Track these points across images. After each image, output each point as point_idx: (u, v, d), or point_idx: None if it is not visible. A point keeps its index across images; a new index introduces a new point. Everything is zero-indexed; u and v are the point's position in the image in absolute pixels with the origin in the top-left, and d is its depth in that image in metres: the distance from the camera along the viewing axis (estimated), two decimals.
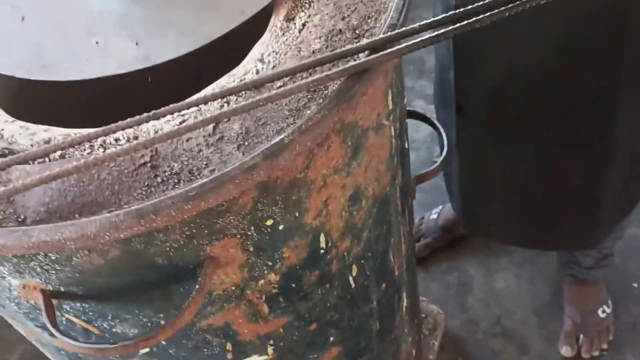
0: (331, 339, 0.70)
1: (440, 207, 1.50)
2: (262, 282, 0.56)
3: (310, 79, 0.47)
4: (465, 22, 0.49)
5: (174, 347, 0.59)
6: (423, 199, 1.60)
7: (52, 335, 0.54)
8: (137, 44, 0.60)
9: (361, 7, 0.57)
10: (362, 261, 0.66)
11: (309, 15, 0.59)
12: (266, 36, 0.59)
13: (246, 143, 0.48)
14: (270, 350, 0.64)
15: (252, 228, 0.50)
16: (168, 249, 0.48)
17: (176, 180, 0.47)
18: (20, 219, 0.46)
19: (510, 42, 0.84)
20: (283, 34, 0.58)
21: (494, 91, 0.91)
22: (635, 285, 1.39)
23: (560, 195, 1.04)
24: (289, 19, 0.60)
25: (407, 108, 0.84)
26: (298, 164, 0.49)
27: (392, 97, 0.60)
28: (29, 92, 0.65)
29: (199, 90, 0.54)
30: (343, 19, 0.56)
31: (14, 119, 0.56)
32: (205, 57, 0.60)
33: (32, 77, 0.59)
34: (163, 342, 0.58)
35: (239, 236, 0.50)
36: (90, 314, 0.53)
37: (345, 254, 0.62)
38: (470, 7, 0.50)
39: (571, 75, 0.84)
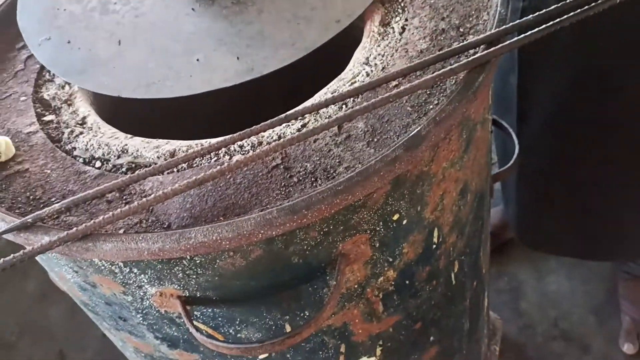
0: (431, 338, 0.70)
1: None
2: (381, 279, 0.57)
3: (436, 73, 0.49)
4: (577, 10, 0.50)
5: (291, 351, 0.60)
6: None
7: (171, 346, 0.55)
8: (238, 58, 0.62)
9: (458, 7, 0.59)
10: (463, 257, 0.67)
11: (406, 19, 0.60)
12: (366, 41, 0.61)
13: (375, 139, 0.49)
14: (378, 351, 0.65)
15: (381, 223, 0.51)
16: (305, 247, 0.49)
17: (313, 179, 0.48)
18: (165, 226, 0.47)
19: (582, 44, 0.84)
20: (383, 38, 0.60)
21: (560, 97, 0.91)
22: None
23: (623, 208, 1.04)
24: (385, 24, 0.62)
25: None
26: (426, 156, 0.51)
27: (491, 92, 0.61)
28: (134, 110, 0.67)
29: (296, 99, 0.55)
30: (443, 19, 0.58)
31: (131, 135, 0.57)
32: (299, 67, 0.61)
33: (139, 96, 0.61)
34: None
35: (369, 232, 0.51)
36: (220, 319, 0.54)
37: (452, 249, 0.63)
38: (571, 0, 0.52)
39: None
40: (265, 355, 0.59)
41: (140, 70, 0.63)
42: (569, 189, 1.05)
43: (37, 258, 0.58)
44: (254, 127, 0.50)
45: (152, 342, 0.60)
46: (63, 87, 0.65)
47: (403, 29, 0.60)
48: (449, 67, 0.49)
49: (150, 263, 0.48)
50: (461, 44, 0.51)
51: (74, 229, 0.44)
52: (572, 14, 0.51)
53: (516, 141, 0.85)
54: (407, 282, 0.60)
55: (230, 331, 0.56)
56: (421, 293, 0.63)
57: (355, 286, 0.55)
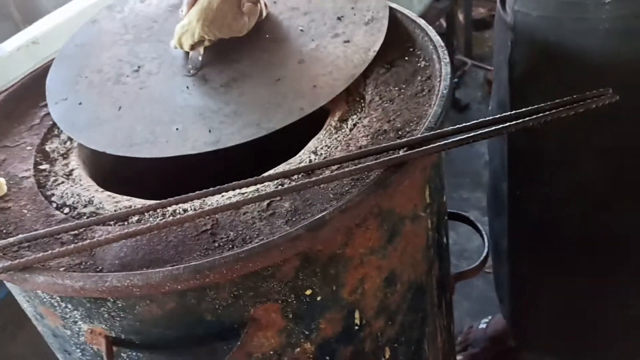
0: None
1: (489, 317, 1.49)
2: (298, 349, 0.60)
3: (352, 167, 0.55)
4: (490, 129, 0.56)
5: None
6: (471, 307, 1.60)
7: None
8: (210, 131, 0.70)
9: (406, 112, 0.66)
10: (395, 345, 0.70)
11: (360, 118, 0.67)
12: (321, 133, 0.68)
13: (294, 219, 0.55)
14: None
15: (293, 296, 0.56)
16: (217, 306, 0.54)
17: (231, 246, 0.54)
18: (98, 269, 0.54)
19: (568, 158, 0.88)
20: (336, 132, 0.67)
21: (548, 207, 0.94)
22: None
23: (614, 314, 1.03)
24: (342, 120, 0.69)
25: (451, 210, 0.91)
26: (338, 240, 0.56)
27: (429, 193, 0.66)
28: (116, 166, 0.76)
29: (257, 173, 0.62)
30: (389, 121, 0.65)
31: (103, 189, 0.66)
32: (265, 145, 0.69)
33: (120, 154, 0.70)
34: None
35: (280, 302, 0.56)
36: None
37: (379, 334, 0.66)
38: (490, 118, 0.57)
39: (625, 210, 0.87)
40: None
41: (128, 132, 0.72)
42: (559, 293, 1.05)
43: (7, 286, 0.66)
44: (197, 192, 0.57)
45: None
46: (65, 143, 0.75)
47: (354, 126, 0.67)
48: (366, 164, 0.55)
49: (80, 300, 0.55)
50: (385, 144, 0.57)
51: (17, 260, 0.52)
52: (490, 129, 0.56)
53: (486, 243, 0.88)
54: (327, 358, 0.63)
55: None
56: None
57: (271, 352, 0.60)
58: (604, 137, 0.82)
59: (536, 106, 0.57)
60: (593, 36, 0.78)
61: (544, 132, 0.87)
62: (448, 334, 0.87)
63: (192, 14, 0.79)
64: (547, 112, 0.56)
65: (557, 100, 0.57)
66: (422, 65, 0.72)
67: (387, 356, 0.69)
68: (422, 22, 0.77)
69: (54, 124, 0.77)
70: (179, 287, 0.50)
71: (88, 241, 0.53)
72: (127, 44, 0.86)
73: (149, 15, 0.91)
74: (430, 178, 0.66)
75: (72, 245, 0.53)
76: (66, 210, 0.63)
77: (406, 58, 0.75)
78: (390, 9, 0.81)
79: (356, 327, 0.63)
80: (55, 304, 0.57)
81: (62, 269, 0.54)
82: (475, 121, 0.58)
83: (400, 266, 0.64)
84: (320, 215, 0.51)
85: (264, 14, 0.84)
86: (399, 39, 0.78)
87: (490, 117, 0.58)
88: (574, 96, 0.57)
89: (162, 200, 0.58)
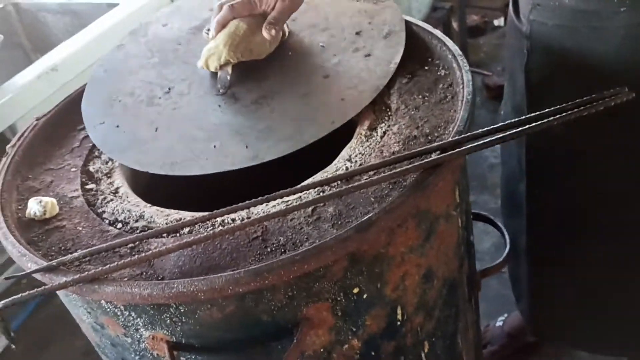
0: None
1: (505, 315, 1.53)
2: (346, 346, 0.64)
3: (392, 172, 0.59)
4: (517, 129, 0.60)
5: None
6: (487, 307, 1.63)
7: None
8: (247, 147, 0.74)
9: (432, 119, 0.70)
10: (433, 339, 0.73)
11: (389, 126, 0.72)
12: (353, 142, 0.72)
13: (339, 222, 0.59)
14: None
15: (342, 294, 0.60)
16: (273, 307, 0.58)
17: (283, 250, 0.58)
18: (159, 278, 0.58)
19: (585, 156, 0.92)
20: (367, 140, 0.71)
21: (567, 204, 0.98)
22: None
23: (637, 303, 1.06)
24: (372, 128, 0.73)
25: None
26: (381, 240, 0.60)
27: (458, 192, 0.70)
28: (153, 184, 0.79)
29: (291, 185, 0.66)
30: (417, 127, 0.69)
31: (151, 204, 0.70)
32: (296, 158, 0.73)
33: (162, 172, 0.74)
34: None
35: (330, 300, 0.60)
36: None
37: (419, 329, 0.70)
38: (515, 120, 0.62)
39: None
40: None
41: (168, 152, 0.76)
42: (579, 285, 1.08)
43: (64, 301, 0.70)
44: (245, 202, 0.61)
45: None
46: (107, 163, 0.79)
47: (384, 133, 0.71)
48: (404, 167, 0.59)
49: (144, 308, 0.58)
50: (419, 149, 0.61)
51: (86, 273, 0.56)
52: (518, 129, 0.61)
53: (507, 241, 0.92)
54: (372, 353, 0.67)
55: None
56: None
57: (322, 350, 0.63)
58: (620, 135, 0.86)
59: (558, 107, 0.61)
60: (609, 43, 0.81)
61: (560, 133, 0.91)
62: (477, 329, 0.90)
63: (219, 38, 0.83)
64: (569, 112, 0.61)
65: (577, 100, 0.61)
66: (442, 74, 0.77)
67: (426, 350, 0.73)
68: (438, 33, 0.82)
69: (94, 146, 0.81)
70: (240, 290, 0.53)
71: (151, 251, 0.57)
72: (154, 67, 0.91)
73: (172, 38, 0.95)
74: (459, 179, 0.70)
75: (136, 256, 0.56)
76: (119, 225, 0.67)
77: (426, 68, 0.79)
78: (406, 22, 0.86)
79: (398, 323, 0.67)
80: (119, 313, 0.61)
81: (125, 279, 0.58)
82: (501, 123, 0.62)
83: (436, 263, 0.68)
84: (367, 217, 0.55)
85: (287, 34, 0.89)
86: (417, 50, 0.82)
87: (515, 119, 0.62)
88: (593, 95, 0.61)
89: (213, 212, 0.62)
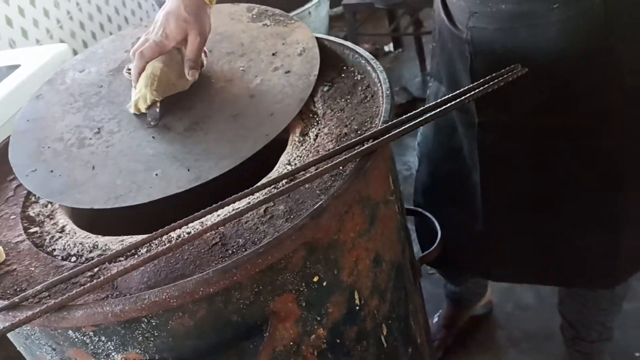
0: None
1: (440, 311, 1.62)
2: (313, 336, 0.67)
3: (333, 162, 0.64)
4: (436, 110, 0.67)
5: None
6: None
7: None
8: (188, 170, 0.77)
9: (358, 116, 0.76)
10: (390, 321, 0.78)
11: (319, 129, 0.77)
12: (289, 148, 0.77)
13: (292, 216, 0.63)
14: None
15: (303, 284, 0.64)
16: (242, 305, 0.61)
17: (244, 249, 0.61)
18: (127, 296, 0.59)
19: (531, 148, 1.02)
20: (301, 145, 0.76)
21: (520, 190, 1.06)
22: (637, 354, 1.47)
23: (582, 235, 1.12)
24: (304, 134, 0.78)
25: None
26: (333, 226, 0.64)
27: (392, 180, 0.77)
28: (103, 218, 0.80)
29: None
30: (346, 126, 0.75)
31: (102, 236, 0.70)
32: (241, 172, 0.76)
33: (109, 206, 0.75)
34: None
35: (294, 292, 0.63)
36: None
37: (376, 312, 0.75)
38: (433, 103, 0.69)
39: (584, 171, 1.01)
40: None
41: (110, 187, 0.77)
42: (535, 223, 1.13)
43: (21, 349, 0.68)
44: (192, 215, 0.64)
45: None
46: (46, 206, 0.79)
47: (317, 136, 0.76)
48: (344, 157, 0.64)
49: (114, 329, 0.59)
50: (353, 140, 0.67)
51: (52, 301, 0.56)
52: (437, 110, 0.68)
53: (438, 228, 0.99)
54: (338, 340, 0.70)
55: None
56: (353, 352, 0.73)
57: (291, 343, 0.66)
58: (553, 120, 0.97)
59: (467, 87, 0.70)
60: (546, 38, 0.91)
61: (506, 127, 1.00)
62: (424, 314, 0.96)
63: (140, 82, 0.86)
64: (476, 90, 0.69)
65: (481, 80, 0.70)
66: (359, 78, 0.84)
67: (385, 333, 0.77)
68: (349, 43, 0.89)
69: (29, 193, 0.81)
70: (211, 290, 0.56)
71: (116, 271, 0.58)
72: (79, 110, 0.92)
73: (92, 82, 0.97)
74: (390, 167, 0.76)
75: (102, 277, 0.58)
76: (73, 259, 0.67)
77: (343, 75, 0.86)
78: (318, 38, 0.93)
79: (357, 307, 0.71)
80: (88, 341, 0.61)
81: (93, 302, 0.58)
82: (421, 108, 0.69)
83: (382, 247, 0.74)
84: (318, 205, 0.60)
85: (204, 63, 0.93)
86: (332, 61, 0.89)
87: (433, 103, 0.69)
88: (494, 74, 0.70)
89: (167, 227, 0.64)
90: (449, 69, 1.07)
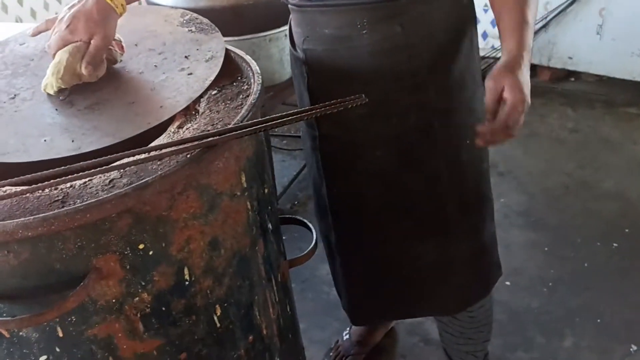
0: None
1: (348, 327, 1.68)
2: (137, 299, 0.76)
3: (173, 149, 0.74)
4: (276, 122, 0.77)
5: (66, 356, 0.77)
6: (341, 326, 1.79)
7: None
8: (73, 141, 0.87)
9: (226, 118, 0.86)
10: (225, 304, 0.86)
11: (190, 123, 0.87)
12: (162, 137, 0.86)
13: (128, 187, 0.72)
14: None
15: (128, 249, 0.73)
16: (65, 256, 0.70)
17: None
18: None
19: (363, 156, 1.14)
20: (173, 135, 0.86)
21: (357, 197, 1.18)
22: None
23: (422, 270, 1.26)
24: (180, 127, 0.88)
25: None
26: (163, 204, 0.73)
27: (245, 179, 0.86)
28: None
29: None
30: (212, 125, 0.85)
31: None
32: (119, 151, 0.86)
33: None
34: (57, 350, 0.76)
35: (118, 254, 0.72)
36: (4, 314, 0.72)
37: (209, 292, 0.83)
38: (281, 114, 0.79)
39: (406, 181, 1.13)
40: (44, 357, 0.76)
41: (2, 144, 0.87)
42: (375, 264, 1.29)
43: None
44: (52, 170, 0.74)
45: None
46: None
47: (186, 130, 0.86)
48: (183, 146, 0.74)
49: None
50: (199, 134, 0.77)
51: None
52: (276, 122, 0.77)
53: (314, 234, 1.08)
54: (163, 308, 0.79)
55: (15, 330, 0.74)
56: (180, 323, 0.81)
57: (114, 300, 0.75)
58: (379, 131, 1.08)
59: (313, 107, 0.79)
60: (360, 57, 1.06)
61: (342, 138, 1.11)
62: (284, 311, 1.04)
63: (49, 69, 0.96)
64: (320, 109, 0.78)
65: (326, 103, 0.79)
66: (245, 88, 0.94)
67: (218, 313, 0.85)
68: (248, 58, 0.99)
69: None
70: (30, 234, 0.65)
71: None
72: (5, 77, 1.02)
73: (26, 54, 1.08)
74: (245, 167, 0.85)
75: None
76: None
77: (234, 83, 0.96)
78: (227, 50, 1.03)
79: (186, 283, 0.80)
80: None
81: None
82: (267, 117, 0.78)
83: (222, 234, 0.82)
84: (145, 180, 0.69)
85: (119, 59, 1.03)
86: (231, 71, 0.99)
87: (281, 114, 0.79)
88: (338, 100, 0.80)
89: (23, 177, 0.74)
90: (297, 90, 1.20)
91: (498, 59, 0.97)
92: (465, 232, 1.22)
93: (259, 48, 1.88)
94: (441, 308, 1.34)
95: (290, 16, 1.17)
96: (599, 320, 1.80)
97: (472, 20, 1.12)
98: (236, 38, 1.80)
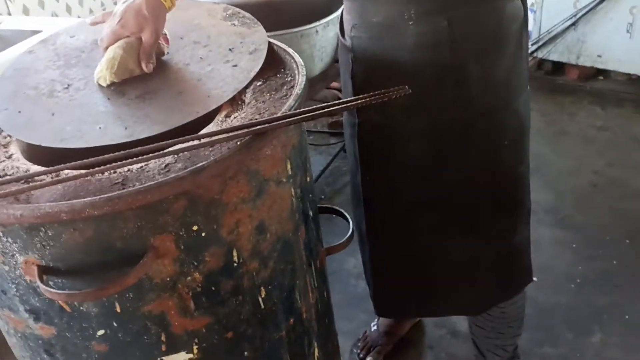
0: (245, 353, 0.91)
1: (376, 319, 1.72)
2: (189, 278, 0.80)
3: (224, 135, 0.77)
4: (321, 111, 0.80)
5: (122, 331, 0.81)
6: (368, 317, 1.82)
7: (36, 319, 0.78)
8: (126, 128, 0.91)
9: (272, 108, 0.89)
10: (270, 287, 0.90)
11: (237, 113, 0.91)
12: (211, 125, 0.90)
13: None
14: (195, 349, 0.86)
15: (183, 229, 0.77)
16: (125, 234, 0.74)
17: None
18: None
19: (398, 143, 1.17)
20: (221, 124, 0.90)
21: (390, 187, 1.21)
22: None
23: (448, 268, 1.29)
24: (227, 116, 0.92)
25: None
26: (215, 187, 0.77)
27: (290, 166, 0.89)
28: (46, 154, 0.94)
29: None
30: (259, 114, 0.88)
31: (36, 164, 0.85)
32: (169, 138, 0.90)
33: (52, 145, 0.89)
34: (115, 324, 0.80)
35: (174, 234, 0.76)
36: (67, 289, 0.77)
37: (254, 273, 0.87)
38: (324, 104, 0.82)
39: (440, 176, 1.16)
40: (102, 332, 0.81)
41: (59, 131, 0.92)
42: (404, 257, 1.31)
43: None
44: (109, 155, 0.78)
45: (23, 315, 0.82)
46: (5, 138, 0.94)
47: (234, 118, 0.89)
48: (234, 133, 0.77)
49: (18, 233, 0.73)
50: (247, 122, 0.80)
51: None
52: (322, 111, 0.81)
53: (350, 223, 1.12)
54: (213, 288, 0.83)
55: (75, 304, 0.78)
56: (228, 303, 0.85)
57: (168, 279, 0.79)
58: (418, 123, 1.10)
59: (358, 96, 0.82)
60: (405, 48, 1.08)
61: (380, 127, 1.14)
62: (322, 297, 1.07)
63: (102, 64, 1.01)
64: (364, 100, 0.81)
65: (370, 93, 0.82)
66: (289, 79, 0.97)
67: (263, 295, 0.89)
68: (291, 50, 1.03)
69: None
70: (96, 212, 0.69)
71: (29, 184, 0.72)
72: (59, 68, 1.07)
73: (77, 46, 1.12)
74: (290, 155, 0.89)
75: (15, 187, 0.72)
76: (7, 178, 0.82)
77: (278, 75, 0.99)
78: (270, 42, 1.07)
79: (235, 264, 0.83)
80: None
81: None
82: (312, 107, 0.82)
83: (268, 219, 0.86)
84: (200, 164, 0.73)
85: (165, 51, 1.08)
86: (274, 63, 1.03)
87: (324, 104, 0.82)
88: (382, 90, 0.83)
89: (79, 162, 0.78)
90: (343, 77, 1.23)
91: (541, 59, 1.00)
92: (494, 235, 1.23)
93: (290, 43, 1.90)
94: (463, 308, 1.35)
95: (342, 5, 1.20)
96: (627, 317, 1.81)
97: (524, 22, 1.14)
98: (270, 33, 1.83)
